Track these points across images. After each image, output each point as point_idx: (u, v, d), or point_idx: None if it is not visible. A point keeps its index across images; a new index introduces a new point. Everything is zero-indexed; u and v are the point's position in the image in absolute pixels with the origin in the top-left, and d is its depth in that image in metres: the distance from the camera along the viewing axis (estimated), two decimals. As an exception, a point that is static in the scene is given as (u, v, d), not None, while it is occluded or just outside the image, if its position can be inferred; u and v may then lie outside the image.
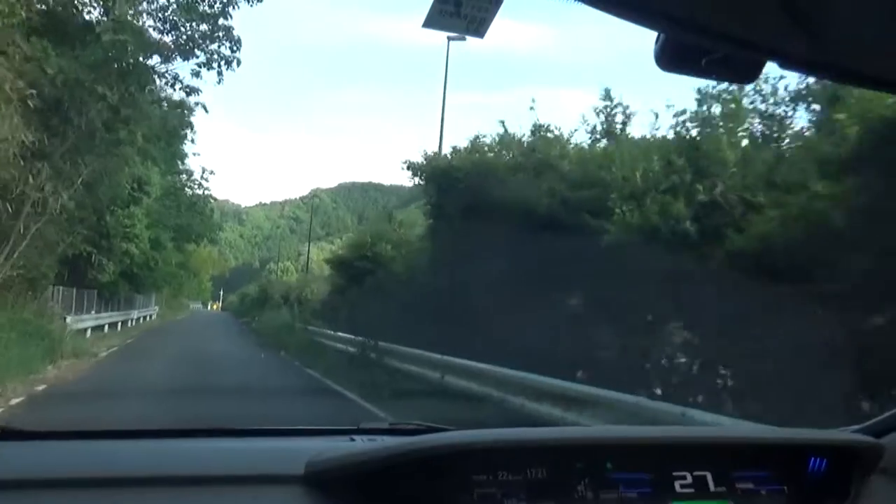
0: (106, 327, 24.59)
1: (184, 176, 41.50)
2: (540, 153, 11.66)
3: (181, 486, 1.47)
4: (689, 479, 1.55)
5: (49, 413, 8.11)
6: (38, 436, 1.75)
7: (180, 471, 1.52)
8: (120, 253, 26.85)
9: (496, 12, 1.38)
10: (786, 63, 0.74)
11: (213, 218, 44.28)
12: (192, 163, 49.19)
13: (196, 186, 42.39)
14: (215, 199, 43.58)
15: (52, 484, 1.44)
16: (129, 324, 30.50)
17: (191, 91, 17.92)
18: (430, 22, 1.39)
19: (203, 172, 42.64)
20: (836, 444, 1.70)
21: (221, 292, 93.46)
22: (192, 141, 38.21)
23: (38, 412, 8.34)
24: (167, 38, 16.88)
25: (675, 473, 1.55)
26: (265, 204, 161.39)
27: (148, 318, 38.51)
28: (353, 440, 1.82)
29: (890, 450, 1.67)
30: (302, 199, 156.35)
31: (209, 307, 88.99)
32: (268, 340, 23.87)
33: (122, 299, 30.93)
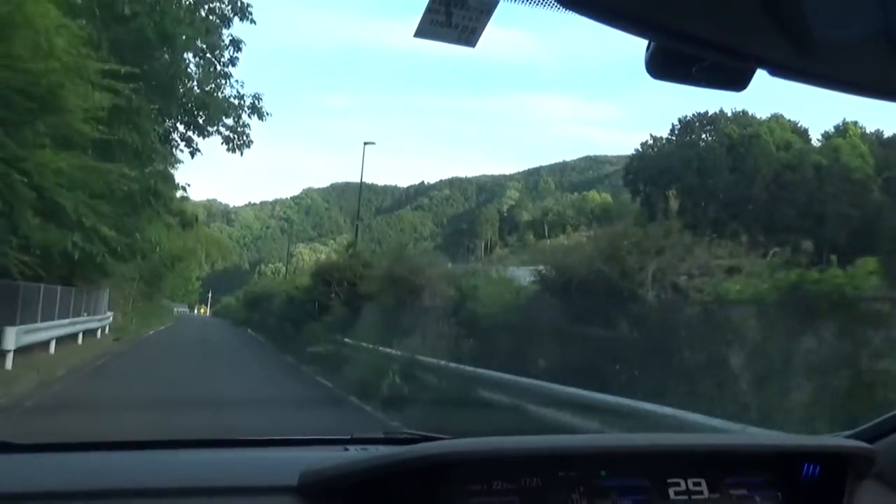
0: None
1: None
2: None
3: (174, 498, 1.46)
4: (684, 486, 1.56)
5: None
6: (28, 448, 1.73)
7: (173, 482, 1.51)
8: None
9: (487, 22, 1.39)
10: (775, 71, 0.75)
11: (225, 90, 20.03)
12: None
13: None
14: (239, 46, 19.79)
15: (42, 497, 1.43)
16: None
17: None
18: (422, 32, 1.40)
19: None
20: (828, 451, 1.71)
21: (210, 294, 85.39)
22: None
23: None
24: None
25: (669, 480, 1.55)
26: (254, 204, 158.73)
27: (83, 336, 19.41)
28: (346, 450, 1.81)
29: (882, 455, 1.68)
30: (293, 198, 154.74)
31: (196, 311, 78.21)
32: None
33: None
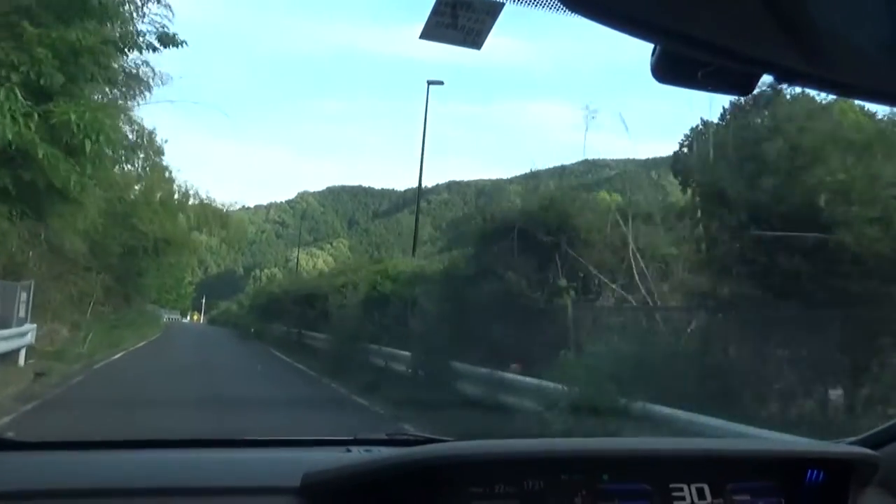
0: None
1: None
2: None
3: (177, 497, 1.46)
4: (687, 491, 1.55)
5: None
6: (33, 446, 1.73)
7: (176, 482, 1.50)
8: None
9: (493, 24, 1.39)
10: (781, 75, 0.75)
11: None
12: None
13: None
14: None
15: (47, 495, 1.43)
16: None
17: None
18: (427, 33, 1.40)
19: None
20: (832, 457, 1.70)
21: (204, 300, 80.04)
22: None
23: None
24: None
25: (672, 485, 1.55)
26: (249, 207, 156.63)
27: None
28: (349, 451, 1.81)
29: (886, 461, 1.67)
30: (289, 202, 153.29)
31: (189, 318, 72.72)
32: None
33: None
